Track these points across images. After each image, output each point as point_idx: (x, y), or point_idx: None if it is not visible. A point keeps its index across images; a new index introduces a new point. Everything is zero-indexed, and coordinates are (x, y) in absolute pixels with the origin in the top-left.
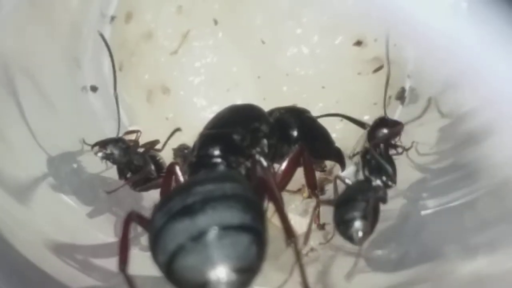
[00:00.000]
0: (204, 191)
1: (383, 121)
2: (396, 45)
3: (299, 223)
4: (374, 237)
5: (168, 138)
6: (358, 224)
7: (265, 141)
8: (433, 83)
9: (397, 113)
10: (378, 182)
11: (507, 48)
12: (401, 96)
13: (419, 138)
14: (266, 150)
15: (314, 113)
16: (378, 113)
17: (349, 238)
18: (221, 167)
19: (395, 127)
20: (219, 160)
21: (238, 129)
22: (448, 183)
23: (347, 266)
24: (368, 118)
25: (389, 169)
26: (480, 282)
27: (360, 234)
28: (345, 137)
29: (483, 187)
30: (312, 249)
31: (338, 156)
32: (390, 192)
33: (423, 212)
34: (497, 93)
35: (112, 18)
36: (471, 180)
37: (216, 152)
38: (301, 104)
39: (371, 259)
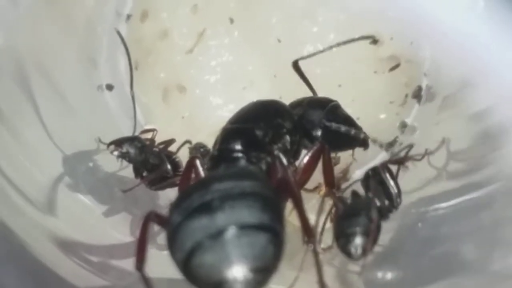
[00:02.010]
0: (222, 188)
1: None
2: (412, 44)
3: (316, 222)
4: (391, 236)
5: (178, 149)
6: (358, 240)
7: (287, 138)
8: (450, 81)
9: (413, 111)
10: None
11: None
12: (417, 95)
13: (436, 136)
14: (288, 146)
15: None
16: (394, 111)
17: (348, 253)
18: (242, 162)
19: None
20: (240, 154)
21: (260, 125)
22: (464, 184)
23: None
24: (384, 117)
25: (394, 193)
26: None
27: (360, 250)
28: None
29: (499, 188)
30: (329, 248)
31: (363, 143)
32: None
33: (440, 212)
34: None
35: (128, 16)
36: (487, 181)
37: (237, 147)
38: None
39: (385, 259)
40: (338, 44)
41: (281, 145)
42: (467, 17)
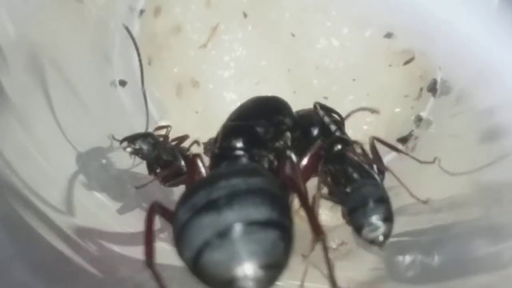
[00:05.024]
0: (229, 185)
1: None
2: (426, 37)
3: (329, 217)
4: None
5: (188, 148)
6: (381, 225)
7: (288, 134)
8: (465, 75)
9: (428, 105)
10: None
11: None
12: (432, 88)
13: (451, 130)
14: (289, 143)
15: (345, 106)
16: (409, 105)
17: (374, 241)
18: (244, 160)
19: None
20: (241, 152)
21: (261, 122)
22: (474, 179)
23: (378, 259)
24: (399, 110)
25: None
26: None
27: (383, 236)
28: (376, 129)
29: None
30: (342, 243)
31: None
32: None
33: (450, 208)
34: None
35: (141, 12)
36: (497, 176)
37: (239, 144)
38: (331, 97)
39: (398, 255)
40: None
41: (282, 142)
42: (480, 10)
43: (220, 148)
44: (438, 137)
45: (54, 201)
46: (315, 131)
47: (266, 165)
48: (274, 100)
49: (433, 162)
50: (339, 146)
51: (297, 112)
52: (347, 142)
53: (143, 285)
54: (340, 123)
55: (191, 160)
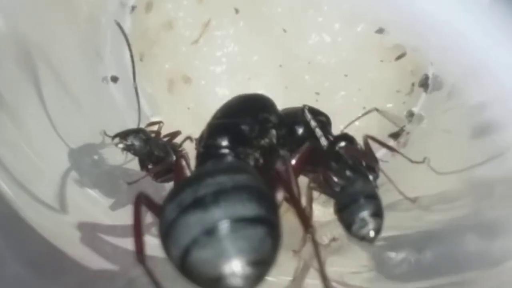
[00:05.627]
0: (215, 182)
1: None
2: (418, 32)
3: (321, 213)
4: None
5: (180, 144)
6: (371, 221)
7: (274, 132)
8: (456, 70)
9: (420, 100)
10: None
11: None
12: (424, 84)
13: (443, 126)
14: (274, 141)
15: (337, 101)
16: (401, 100)
17: (364, 237)
18: (229, 158)
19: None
20: (227, 150)
21: (247, 119)
22: (464, 175)
23: (369, 255)
24: (391, 106)
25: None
26: None
27: (374, 232)
28: (368, 125)
29: (499, 179)
30: (334, 239)
31: None
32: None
33: (441, 204)
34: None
35: (133, 8)
36: (488, 172)
37: (224, 143)
38: (323, 93)
39: (391, 250)
40: None
41: (268, 139)
42: (472, 6)
43: (205, 146)
44: (430, 132)
45: (45, 197)
46: (301, 129)
47: (252, 163)
48: (259, 98)
49: (423, 162)
50: (343, 143)
51: (283, 110)
52: (352, 140)
53: (136, 281)
54: (326, 124)
55: (177, 162)
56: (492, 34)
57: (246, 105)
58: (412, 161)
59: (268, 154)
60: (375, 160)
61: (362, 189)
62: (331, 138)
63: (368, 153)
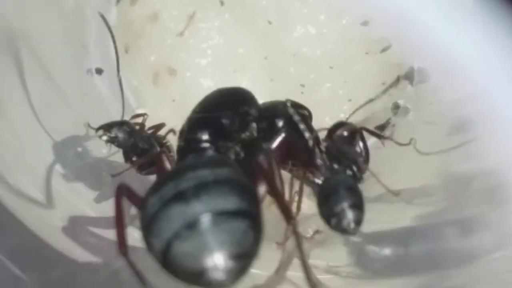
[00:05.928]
0: (196, 176)
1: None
2: (403, 25)
3: (306, 205)
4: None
5: (164, 137)
6: (350, 214)
7: (254, 125)
8: (441, 63)
9: (406, 93)
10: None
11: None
12: (410, 76)
13: (429, 118)
14: (255, 134)
15: (322, 93)
16: (386, 93)
17: (343, 230)
18: (210, 152)
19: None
20: (207, 144)
21: (226, 113)
22: (446, 171)
23: (352, 248)
24: (377, 98)
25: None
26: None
27: (354, 224)
28: (353, 118)
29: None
30: (318, 231)
31: None
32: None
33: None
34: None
35: (118, 0)
36: (468, 167)
37: (204, 137)
38: (308, 85)
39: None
40: None
41: (248, 133)
42: (455, 5)
43: (185, 140)
44: (415, 124)
45: (29, 189)
46: (281, 122)
47: (232, 156)
48: (239, 91)
49: (409, 143)
50: (345, 133)
51: (263, 103)
52: (355, 128)
53: (120, 272)
54: (308, 118)
55: (159, 155)
56: (473, 30)
57: (226, 99)
58: (400, 144)
59: (249, 148)
60: (359, 153)
61: (342, 181)
62: (314, 133)
63: (352, 147)
